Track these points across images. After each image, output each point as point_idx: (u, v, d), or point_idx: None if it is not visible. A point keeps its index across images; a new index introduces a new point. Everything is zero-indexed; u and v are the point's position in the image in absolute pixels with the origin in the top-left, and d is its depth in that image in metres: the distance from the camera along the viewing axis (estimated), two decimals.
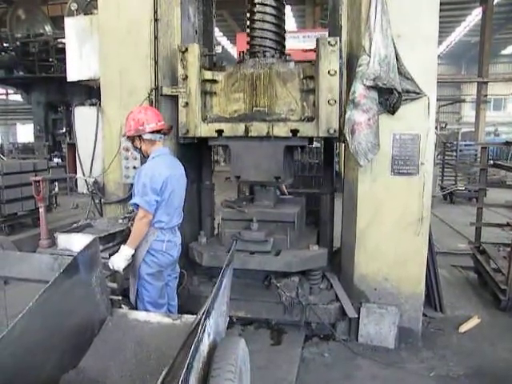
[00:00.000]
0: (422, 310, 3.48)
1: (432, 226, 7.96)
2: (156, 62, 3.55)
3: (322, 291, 3.56)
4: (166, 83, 3.64)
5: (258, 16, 3.68)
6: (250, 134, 3.39)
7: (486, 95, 14.73)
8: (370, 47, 3.04)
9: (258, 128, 3.37)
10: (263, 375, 2.86)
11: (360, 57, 3.10)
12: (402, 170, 3.33)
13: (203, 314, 1.90)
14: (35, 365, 1.85)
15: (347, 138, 3.15)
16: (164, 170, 2.79)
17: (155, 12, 3.49)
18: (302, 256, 3.46)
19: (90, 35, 3.75)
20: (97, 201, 3.88)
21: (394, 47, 3.12)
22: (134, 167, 3.60)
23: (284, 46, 3.86)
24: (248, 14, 3.79)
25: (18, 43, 12.16)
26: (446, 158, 11.43)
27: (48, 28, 13.47)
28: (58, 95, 12.02)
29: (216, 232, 4.31)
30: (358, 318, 3.42)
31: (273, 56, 3.62)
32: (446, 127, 18.89)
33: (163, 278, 2.92)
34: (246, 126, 3.39)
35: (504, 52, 27.14)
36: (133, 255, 2.78)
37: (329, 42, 3.18)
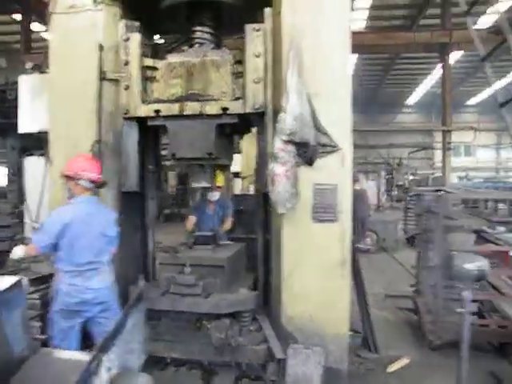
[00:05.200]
0: (347, 351, 3.62)
1: (389, 269, 8.23)
2: (100, 118, 3.86)
3: (252, 333, 3.70)
4: (108, 136, 3.94)
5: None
6: (184, 113, 3.74)
7: (449, 142, 15.44)
8: (287, 105, 3.40)
9: (192, 107, 3.73)
10: None
11: (279, 114, 3.45)
12: (323, 217, 3.59)
13: (98, 349, 2.07)
14: None
15: (269, 189, 3.45)
16: (67, 216, 3.04)
17: (100, 71, 3.84)
18: (231, 298, 3.64)
19: (42, 91, 4.07)
20: None
21: (310, 105, 3.48)
22: None
23: (220, 38, 4.28)
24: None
25: None
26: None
27: None
28: (32, 141, 12.29)
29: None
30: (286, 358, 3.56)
31: (208, 46, 4.03)
32: (416, 172, 19.57)
33: (72, 320, 3.06)
34: (180, 106, 3.75)
35: (469, 102, 28.77)
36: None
37: (254, 28, 3.64)
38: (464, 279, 2.50)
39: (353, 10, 16.40)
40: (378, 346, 4.25)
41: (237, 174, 9.90)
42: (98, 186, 3.26)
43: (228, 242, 4.75)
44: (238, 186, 10.59)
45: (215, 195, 5.56)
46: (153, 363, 3.70)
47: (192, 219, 5.57)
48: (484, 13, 14.58)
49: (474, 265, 2.50)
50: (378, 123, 26.14)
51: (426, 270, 4.27)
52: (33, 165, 4.09)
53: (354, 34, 14.57)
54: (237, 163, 7.97)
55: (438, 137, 28.56)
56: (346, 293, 3.59)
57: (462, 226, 4.35)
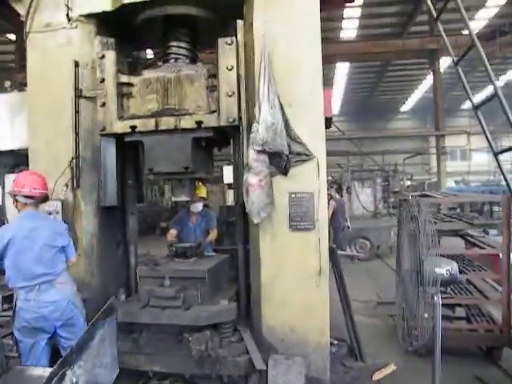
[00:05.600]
0: (328, 360, 3.60)
1: (382, 276, 8.17)
2: (77, 134, 3.90)
3: (233, 344, 3.68)
4: (87, 152, 3.97)
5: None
6: (159, 128, 3.76)
7: (443, 147, 15.50)
8: (259, 116, 3.43)
9: (167, 122, 3.75)
10: None
11: (252, 124, 3.48)
12: (299, 225, 3.60)
13: (59, 363, 2.06)
14: None
15: (244, 199, 3.46)
16: (8, 234, 3.08)
17: (76, 89, 3.89)
18: (210, 310, 3.62)
19: (21, 109, 4.11)
20: None
21: (283, 115, 3.51)
22: None
23: (195, 53, 4.32)
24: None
25: None
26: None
27: None
28: (25, 158, 12.39)
29: None
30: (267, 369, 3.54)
31: (184, 61, 4.08)
32: (412, 178, 19.57)
33: (34, 337, 3.07)
34: (156, 121, 3.76)
35: (463, 107, 28.92)
36: None
37: (226, 42, 3.68)
38: (434, 284, 2.49)
39: (343, 18, 16.65)
40: (364, 355, 4.21)
41: (230, 186, 9.92)
42: (38, 200, 3.28)
43: (211, 254, 4.75)
44: (231, 198, 10.59)
45: (198, 206, 5.57)
46: (136, 377, 3.70)
47: (173, 232, 5.55)
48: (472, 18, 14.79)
49: (444, 269, 2.49)
50: (372, 130, 26.23)
51: (399, 276, 4.27)
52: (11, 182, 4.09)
53: (345, 42, 14.73)
54: (230, 175, 7.99)
55: (434, 142, 28.82)
56: (324, 302, 3.58)
57: (442, 230, 4.34)
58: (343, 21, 16.69)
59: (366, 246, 9.94)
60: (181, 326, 3.66)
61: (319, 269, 3.56)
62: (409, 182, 21.32)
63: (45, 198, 3.39)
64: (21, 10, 4.07)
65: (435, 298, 2.48)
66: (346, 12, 15.83)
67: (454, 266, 2.52)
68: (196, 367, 3.57)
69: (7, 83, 4.16)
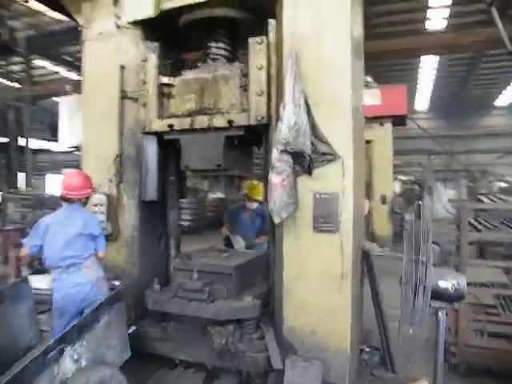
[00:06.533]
0: (348, 366, 3.49)
1: None
2: (121, 132, 4.21)
3: (253, 340, 3.73)
4: (130, 150, 4.27)
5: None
6: (194, 127, 3.92)
7: None
8: (283, 115, 3.42)
9: (201, 121, 3.90)
10: None
11: (277, 124, 3.48)
12: (323, 227, 3.52)
13: (57, 339, 2.30)
14: None
15: (267, 198, 3.49)
16: (47, 219, 3.54)
17: (121, 91, 4.20)
18: (233, 306, 3.71)
19: (77, 110, 4.55)
20: None
21: (309, 114, 3.46)
22: (101, 221, 4.18)
23: (234, 53, 4.40)
24: None
25: None
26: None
27: None
28: None
29: None
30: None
31: (221, 61, 4.21)
32: (504, 179, 17.84)
33: (63, 318, 3.37)
34: (191, 120, 3.94)
35: None
36: None
37: (256, 42, 3.73)
38: (438, 298, 2.29)
39: (428, 8, 15.59)
40: (396, 365, 4.00)
41: None
42: (63, 199, 3.64)
43: (249, 251, 4.82)
44: None
45: (253, 205, 5.62)
46: (164, 363, 3.93)
47: (227, 226, 5.70)
48: None
49: (450, 282, 2.28)
50: (462, 128, 24.27)
51: None
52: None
53: (430, 34, 13.76)
54: None
55: None
56: (346, 307, 3.47)
57: None
58: (428, 10, 15.64)
59: (435, 252, 9.26)
60: (206, 318, 3.79)
61: (342, 272, 3.46)
62: (501, 184, 19.46)
63: (84, 198, 3.75)
64: (80, 20, 4.50)
65: (439, 313, 2.29)
66: (432, 1, 14.82)
67: (461, 281, 2.30)
68: (217, 360, 3.69)
69: (67, 87, 4.62)
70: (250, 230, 5.60)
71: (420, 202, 2.52)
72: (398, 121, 11.68)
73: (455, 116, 25.64)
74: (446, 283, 2.30)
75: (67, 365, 2.32)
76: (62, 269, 3.42)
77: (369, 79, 12.16)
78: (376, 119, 10.71)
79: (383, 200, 11.55)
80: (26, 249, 3.54)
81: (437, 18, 16.29)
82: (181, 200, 4.95)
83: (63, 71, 20.16)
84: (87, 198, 3.80)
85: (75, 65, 16.12)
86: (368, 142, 10.98)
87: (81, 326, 2.43)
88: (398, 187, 15.34)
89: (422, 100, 26.10)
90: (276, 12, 3.78)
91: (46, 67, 18.72)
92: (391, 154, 11.49)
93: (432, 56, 18.43)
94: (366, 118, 10.76)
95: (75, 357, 2.38)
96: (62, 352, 2.26)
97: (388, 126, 11.37)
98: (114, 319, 2.73)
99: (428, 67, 20.95)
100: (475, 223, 4.20)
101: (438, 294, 2.31)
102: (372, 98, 9.99)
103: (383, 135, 11.28)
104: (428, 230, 2.38)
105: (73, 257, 3.46)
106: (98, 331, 2.55)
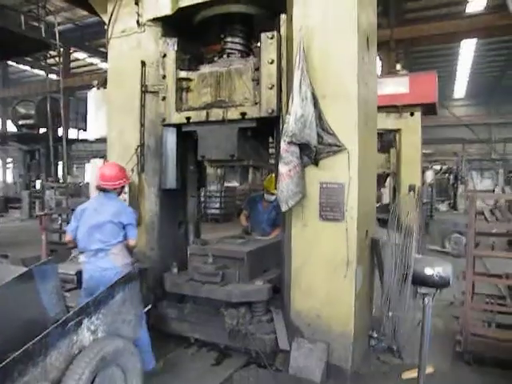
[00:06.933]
0: (351, 349, 3.63)
1: None
2: (143, 124, 4.47)
3: (262, 323, 3.93)
4: (151, 141, 4.53)
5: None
6: (209, 119, 4.13)
7: None
8: (291, 107, 3.55)
9: (216, 113, 4.10)
10: None
11: (286, 117, 3.62)
12: (329, 216, 3.66)
13: (75, 312, 2.58)
14: None
15: (276, 187, 3.66)
16: (84, 205, 3.82)
17: (142, 85, 4.45)
18: (243, 289, 3.92)
19: (103, 104, 4.85)
20: None
21: (316, 106, 3.58)
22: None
23: (249, 47, 4.57)
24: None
25: None
26: None
27: None
28: None
29: None
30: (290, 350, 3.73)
31: (236, 55, 4.39)
32: None
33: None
34: (207, 112, 4.15)
35: None
36: None
37: (268, 36, 3.86)
38: (423, 284, 2.38)
39: None
40: (403, 352, 4.10)
41: None
42: (99, 188, 3.86)
43: (264, 238, 5.01)
44: None
45: (271, 198, 5.76)
46: (180, 341, 4.21)
47: (245, 214, 5.91)
48: None
49: (436, 269, 2.36)
50: (501, 115, 23.29)
51: None
52: (96, 165, 4.89)
53: (468, 17, 13.33)
54: None
55: None
56: (350, 293, 3.60)
57: None
58: None
59: (461, 242, 9.12)
60: (219, 300, 4.03)
61: (346, 260, 3.59)
62: None
63: (119, 188, 3.96)
64: (106, 19, 4.77)
65: (425, 299, 2.38)
66: None
67: (446, 269, 2.38)
68: (229, 339, 3.93)
69: (94, 82, 4.92)
70: (265, 221, 5.76)
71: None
72: (429, 109, 11.42)
73: (495, 103, 24.64)
74: (431, 270, 2.39)
75: (85, 334, 2.61)
76: (92, 252, 3.67)
77: (398, 67, 11.97)
78: (405, 108, 10.53)
79: (411, 190, 11.40)
80: (68, 234, 3.83)
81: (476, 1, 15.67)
82: (212, 189, 5.20)
83: (98, 62, 20.90)
84: (122, 187, 4.03)
85: None
86: (396, 130, 10.85)
87: (97, 300, 2.70)
88: (430, 177, 15.01)
89: (461, 87, 25.24)
90: (287, 7, 3.90)
91: (81, 58, 19.50)
92: (419, 143, 11.27)
93: (470, 40, 17.79)
94: (394, 106, 10.47)
95: (92, 328, 2.66)
96: (80, 323, 2.55)
97: (417, 114, 11.14)
98: (128, 297, 3.00)
99: (467, 52, 20.22)
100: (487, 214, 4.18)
101: (424, 281, 2.41)
102: (399, 86, 9.82)
103: (412, 124, 11.06)
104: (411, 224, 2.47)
105: (101, 242, 3.67)
106: (113, 307, 2.82)
